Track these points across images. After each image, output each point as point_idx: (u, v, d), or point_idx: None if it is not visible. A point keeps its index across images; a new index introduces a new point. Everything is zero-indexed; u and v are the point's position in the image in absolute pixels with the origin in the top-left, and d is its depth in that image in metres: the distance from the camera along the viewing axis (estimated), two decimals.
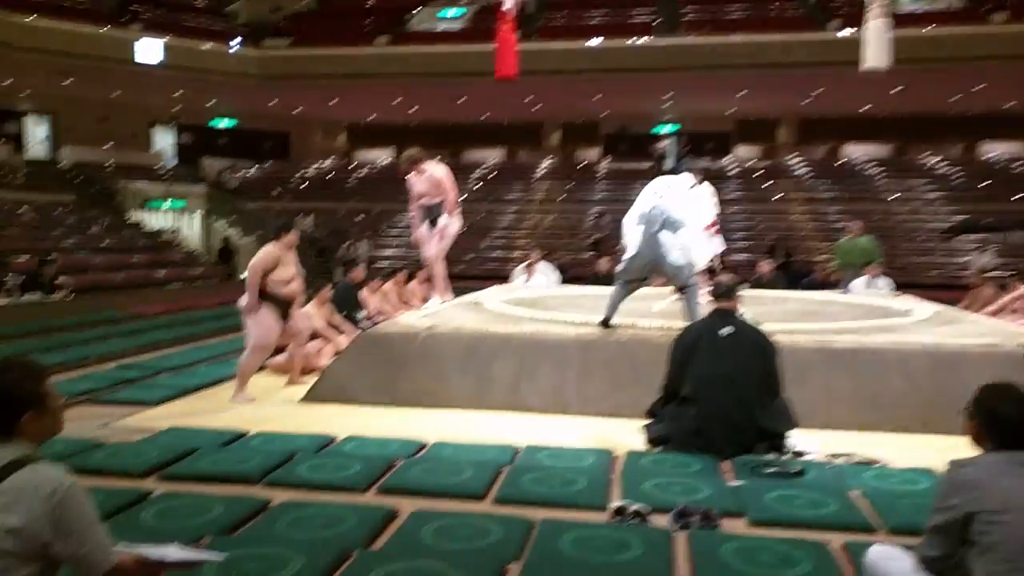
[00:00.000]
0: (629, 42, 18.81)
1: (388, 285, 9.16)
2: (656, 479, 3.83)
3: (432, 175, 6.69)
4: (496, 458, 4.22)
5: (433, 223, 6.78)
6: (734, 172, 22.47)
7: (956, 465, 2.29)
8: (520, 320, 6.07)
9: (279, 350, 6.42)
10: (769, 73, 18.19)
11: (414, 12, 21.91)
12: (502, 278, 11.23)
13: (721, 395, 4.21)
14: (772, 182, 21.44)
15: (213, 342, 8.89)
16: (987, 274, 9.82)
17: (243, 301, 5.82)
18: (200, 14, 21.69)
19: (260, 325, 5.75)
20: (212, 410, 5.48)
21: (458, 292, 7.73)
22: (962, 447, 2.39)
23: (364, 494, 3.74)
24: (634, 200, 5.69)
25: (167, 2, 20.91)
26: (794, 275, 11.99)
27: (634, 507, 3.41)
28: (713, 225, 6.95)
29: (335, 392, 5.63)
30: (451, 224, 6.80)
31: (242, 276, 5.95)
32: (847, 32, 16.41)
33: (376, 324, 6.74)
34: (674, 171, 5.99)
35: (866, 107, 22.25)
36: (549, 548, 3.05)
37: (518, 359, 5.44)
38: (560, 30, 20.22)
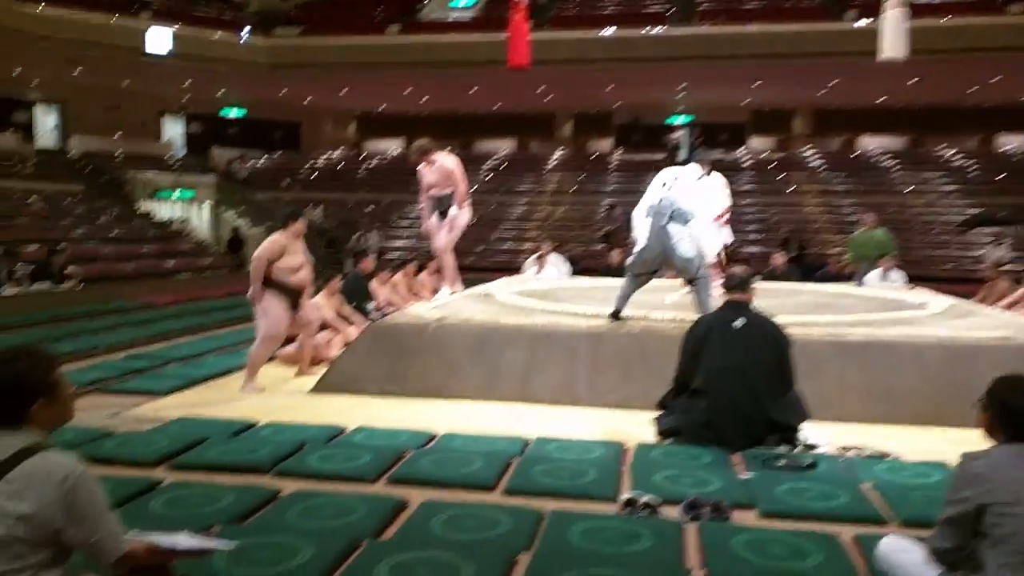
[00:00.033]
0: (643, 31, 18.70)
1: (398, 276, 9.16)
2: (666, 471, 3.82)
3: (443, 166, 6.66)
4: (506, 449, 4.21)
5: (443, 214, 6.75)
6: (748, 164, 22.35)
7: (968, 457, 2.29)
8: (531, 312, 6.06)
9: (289, 340, 6.42)
10: (784, 63, 18.06)
11: (425, 1, 21.85)
12: (513, 270, 11.21)
13: (732, 387, 4.19)
14: (786, 174, 21.32)
15: (222, 332, 8.92)
16: (1002, 267, 9.74)
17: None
18: (210, 3, 21.67)
19: (270, 315, 5.75)
20: (222, 400, 5.49)
21: (468, 284, 7.72)
22: (975, 441, 2.37)
23: (374, 484, 3.73)
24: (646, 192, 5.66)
25: None
26: (807, 268, 11.92)
27: (644, 499, 3.40)
28: (721, 216, 6.91)
29: (345, 383, 5.63)
30: (461, 215, 6.77)
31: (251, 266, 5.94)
32: (863, 22, 16.26)
33: (386, 315, 6.74)
34: (683, 162, 5.95)
35: (882, 98, 22.08)
36: (559, 539, 3.04)
37: (528, 351, 5.43)
38: (573, 19, 20.12)
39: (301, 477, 3.78)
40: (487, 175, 22.69)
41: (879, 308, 6.47)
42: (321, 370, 6.06)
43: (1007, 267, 9.77)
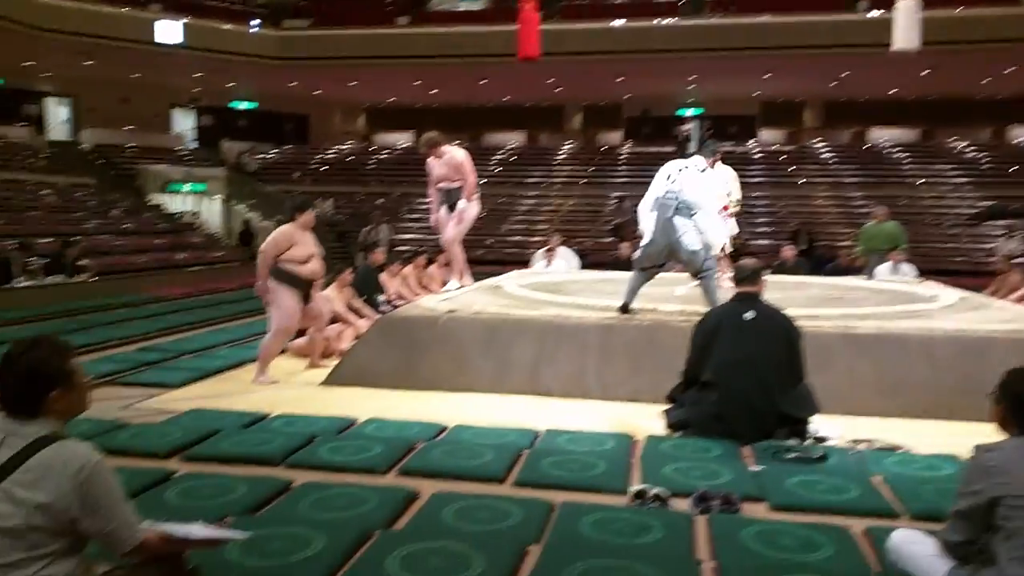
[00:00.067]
0: (653, 23, 18.61)
1: (408, 269, 9.18)
2: (676, 463, 3.82)
3: (452, 158, 6.66)
4: (516, 441, 4.22)
5: (452, 207, 6.75)
6: (758, 156, 22.24)
7: (981, 450, 2.28)
8: (540, 304, 6.06)
9: (300, 333, 6.46)
10: (795, 55, 17.94)
11: None
12: (522, 263, 11.22)
13: (742, 380, 4.18)
14: (796, 166, 21.21)
15: (234, 325, 8.96)
16: (1014, 260, 9.68)
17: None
18: None
19: (282, 308, 5.78)
20: (234, 392, 5.53)
21: (478, 277, 7.72)
22: (986, 433, 2.37)
23: (385, 476, 3.76)
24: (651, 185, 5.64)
25: None
26: (818, 261, 11.87)
27: (654, 491, 3.40)
28: (726, 208, 6.88)
29: (356, 375, 5.65)
30: (469, 208, 6.76)
31: None
32: (876, 13, 16.14)
33: (396, 308, 6.76)
34: (688, 154, 5.94)
35: (893, 90, 21.90)
36: (569, 530, 3.06)
37: (538, 343, 5.44)
38: (583, 10, 20.01)
39: (313, 468, 3.81)
40: (496, 168, 22.65)
41: (890, 301, 6.44)
42: (332, 362, 6.09)
43: (1019, 260, 9.70)
